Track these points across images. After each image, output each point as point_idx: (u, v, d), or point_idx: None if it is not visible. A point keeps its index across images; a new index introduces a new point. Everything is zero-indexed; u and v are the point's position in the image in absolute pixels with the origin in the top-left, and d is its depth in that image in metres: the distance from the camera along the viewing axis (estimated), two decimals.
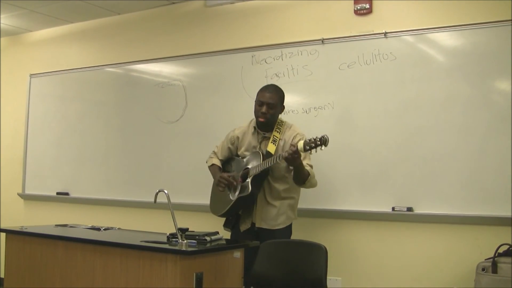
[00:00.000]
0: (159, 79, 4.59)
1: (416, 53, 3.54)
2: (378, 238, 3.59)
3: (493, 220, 3.23)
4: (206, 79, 4.37)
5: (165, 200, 2.92)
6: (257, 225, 3.33)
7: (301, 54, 3.91)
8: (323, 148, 2.94)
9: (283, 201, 3.35)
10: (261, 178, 3.28)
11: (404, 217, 3.49)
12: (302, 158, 3.14)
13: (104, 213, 4.75)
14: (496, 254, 3.06)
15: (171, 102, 4.49)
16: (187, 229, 2.91)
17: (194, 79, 4.45)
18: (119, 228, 3.76)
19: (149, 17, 4.75)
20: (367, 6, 3.72)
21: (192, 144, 4.33)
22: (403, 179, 3.50)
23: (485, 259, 3.11)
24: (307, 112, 3.85)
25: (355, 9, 3.76)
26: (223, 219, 3.50)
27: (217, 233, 3.15)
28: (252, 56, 4.11)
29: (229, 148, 3.54)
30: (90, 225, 3.81)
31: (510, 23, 3.25)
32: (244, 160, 3.40)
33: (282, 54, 3.99)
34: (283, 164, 3.25)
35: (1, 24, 5.20)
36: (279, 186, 3.33)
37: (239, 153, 3.48)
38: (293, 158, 3.04)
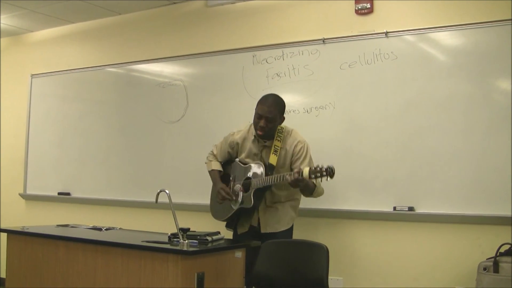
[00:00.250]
0: (160, 79, 4.59)
1: (417, 53, 3.53)
2: (380, 237, 3.59)
3: (494, 220, 3.23)
4: (207, 79, 4.37)
5: (167, 200, 2.93)
6: (262, 231, 3.32)
7: (302, 54, 3.91)
8: (328, 179, 2.92)
9: (285, 203, 3.35)
10: (263, 190, 3.26)
11: (406, 216, 3.49)
12: (305, 164, 3.16)
13: (106, 213, 4.75)
14: (498, 254, 3.06)
15: (172, 102, 4.49)
16: (188, 229, 2.91)
17: (195, 79, 4.45)
18: (120, 228, 3.76)
19: (150, 17, 4.75)
20: (368, 5, 3.72)
21: (194, 143, 4.33)
22: (404, 179, 3.50)
23: (487, 259, 3.11)
24: (308, 111, 3.85)
25: (356, 8, 3.76)
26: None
27: (218, 233, 3.15)
28: (253, 56, 4.11)
29: (229, 152, 3.51)
30: (91, 225, 3.82)
31: (511, 23, 3.24)
32: (245, 167, 3.35)
33: (283, 54, 3.99)
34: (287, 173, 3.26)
35: (2, 24, 5.20)
36: (281, 193, 3.33)
37: (239, 158, 3.45)
38: (297, 184, 3.05)
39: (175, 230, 2.92)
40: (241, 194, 3.30)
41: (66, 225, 3.90)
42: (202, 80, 4.41)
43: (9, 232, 3.49)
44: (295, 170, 3.03)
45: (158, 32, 4.69)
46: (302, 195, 3.39)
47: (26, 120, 5.36)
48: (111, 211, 4.73)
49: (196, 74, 4.46)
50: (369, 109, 3.64)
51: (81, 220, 4.23)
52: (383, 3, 3.70)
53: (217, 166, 3.52)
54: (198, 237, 2.97)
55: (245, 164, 3.38)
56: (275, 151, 3.28)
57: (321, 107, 3.81)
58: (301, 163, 3.22)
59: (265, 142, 3.33)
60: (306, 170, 2.95)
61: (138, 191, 4.58)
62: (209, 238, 2.99)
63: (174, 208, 2.94)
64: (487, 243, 3.22)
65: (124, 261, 2.90)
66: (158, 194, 3.03)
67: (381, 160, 3.58)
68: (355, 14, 3.77)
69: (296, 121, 3.78)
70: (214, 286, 2.83)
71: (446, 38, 3.46)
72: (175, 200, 3.00)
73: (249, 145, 3.39)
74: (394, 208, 3.50)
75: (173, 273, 2.70)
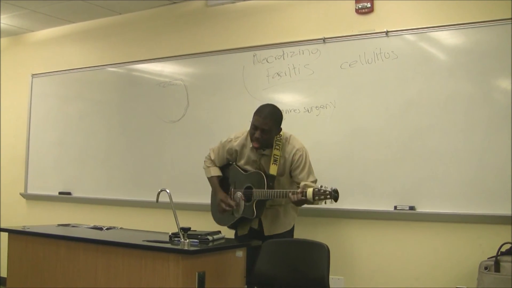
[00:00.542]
0: (160, 79, 4.59)
1: (418, 52, 3.53)
2: (380, 237, 3.59)
3: (495, 219, 3.23)
4: (207, 79, 4.37)
5: (167, 200, 2.93)
6: (266, 234, 3.31)
7: (303, 53, 3.91)
8: (332, 202, 2.92)
9: (286, 204, 3.35)
10: (264, 201, 3.25)
11: (406, 216, 3.48)
12: (304, 172, 3.18)
13: (106, 213, 4.75)
14: (499, 253, 3.06)
15: (173, 101, 4.49)
16: (189, 229, 2.91)
17: (196, 79, 4.45)
18: (121, 228, 3.76)
19: (151, 16, 4.75)
20: (369, 5, 3.72)
21: (194, 143, 4.33)
22: (405, 178, 3.50)
23: (488, 258, 3.11)
24: (309, 111, 3.85)
25: (357, 8, 3.76)
26: None
27: (219, 232, 3.16)
28: (254, 56, 4.11)
29: (227, 158, 3.47)
30: (92, 225, 3.82)
31: (511, 22, 3.24)
32: (246, 175, 3.32)
33: (283, 53, 3.98)
34: (287, 180, 3.28)
35: (3, 24, 5.21)
36: (281, 199, 3.31)
37: (238, 164, 3.42)
38: (301, 204, 3.07)
39: (176, 230, 2.92)
40: (242, 203, 3.29)
41: (67, 225, 3.90)
42: (202, 80, 4.41)
43: (10, 231, 3.50)
44: (299, 190, 3.02)
45: (159, 32, 4.69)
46: None
47: (27, 120, 5.37)
48: (112, 211, 4.73)
49: (196, 73, 4.46)
50: (370, 108, 3.64)
51: (82, 220, 4.23)
52: (384, 2, 3.70)
53: (216, 172, 3.47)
54: (199, 236, 2.97)
55: (245, 171, 3.35)
56: (275, 160, 3.24)
57: (321, 106, 3.81)
58: (300, 172, 3.21)
59: (263, 150, 3.29)
60: (310, 192, 2.93)
61: (139, 191, 4.58)
62: (210, 238, 2.99)
63: (175, 207, 2.94)
64: (488, 242, 3.22)
65: (125, 261, 2.90)
66: (159, 193, 3.03)
67: (382, 159, 3.57)
68: (355, 13, 3.77)
69: (296, 120, 3.78)
70: (215, 285, 2.83)
71: (446, 37, 3.46)
72: (176, 199, 3.00)
73: (248, 152, 3.35)
74: (395, 208, 3.50)
75: (174, 272, 2.70)
